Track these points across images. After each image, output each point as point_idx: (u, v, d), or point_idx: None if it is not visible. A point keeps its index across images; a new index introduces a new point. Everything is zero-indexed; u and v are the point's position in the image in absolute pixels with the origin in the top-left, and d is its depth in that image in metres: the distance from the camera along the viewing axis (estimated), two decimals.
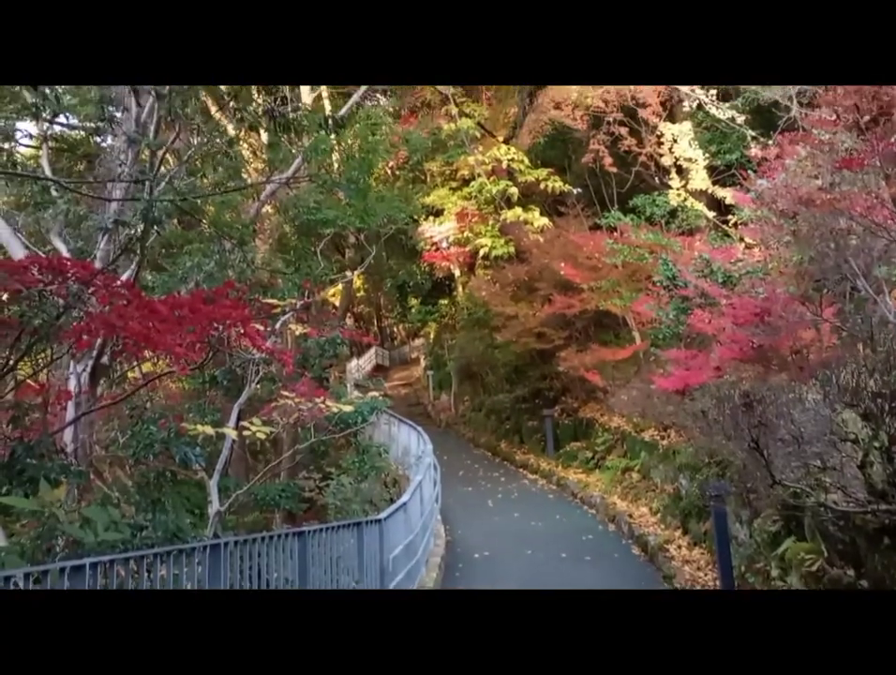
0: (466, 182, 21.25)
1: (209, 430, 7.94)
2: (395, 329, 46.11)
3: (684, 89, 17.37)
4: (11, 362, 5.45)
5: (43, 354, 6.84)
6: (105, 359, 8.08)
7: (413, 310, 33.00)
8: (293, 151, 10.93)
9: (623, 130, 18.22)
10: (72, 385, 7.88)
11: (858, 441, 5.65)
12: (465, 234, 21.56)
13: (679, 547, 10.46)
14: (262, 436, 8.66)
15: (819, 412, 5.66)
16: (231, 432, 8.17)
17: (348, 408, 10.50)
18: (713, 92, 17.00)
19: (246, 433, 8.62)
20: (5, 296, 5.25)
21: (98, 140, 13.46)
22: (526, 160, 19.56)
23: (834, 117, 9.97)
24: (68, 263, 4.85)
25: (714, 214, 17.16)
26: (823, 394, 5.72)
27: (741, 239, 14.40)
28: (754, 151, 13.27)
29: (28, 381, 6.47)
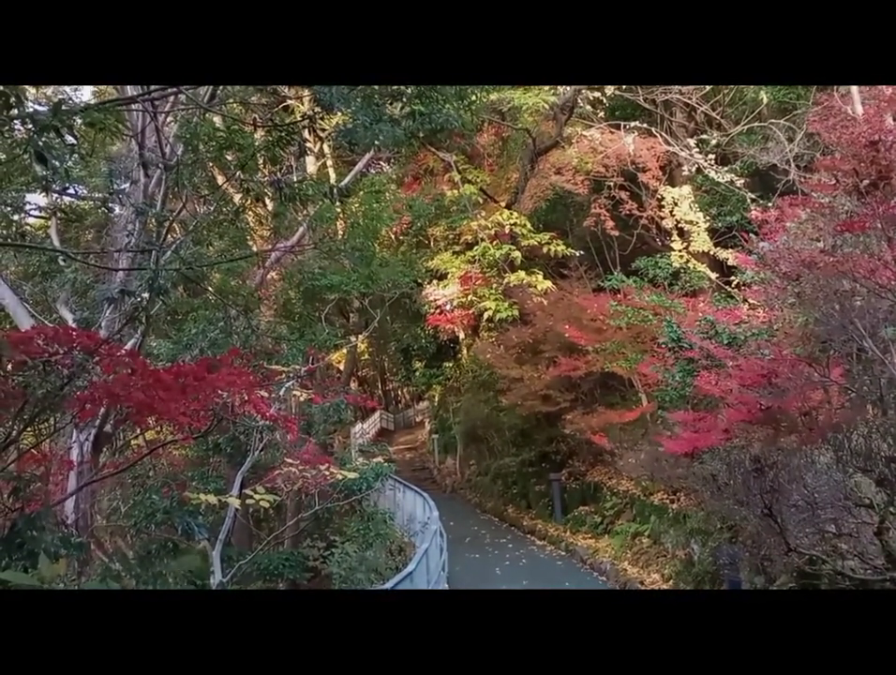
0: (469, 246, 21.37)
1: (212, 499, 7.84)
2: (400, 393, 45.99)
3: (683, 154, 17.68)
4: (14, 432, 5.40)
5: (46, 424, 6.80)
6: (108, 428, 8.03)
7: (418, 373, 32.87)
8: (299, 219, 11.06)
9: (624, 194, 18.51)
10: (75, 455, 7.81)
11: (874, 506, 5.54)
12: (469, 298, 21.56)
13: None
14: (266, 504, 8.55)
15: (832, 477, 5.56)
16: (234, 501, 8.08)
17: (352, 474, 10.40)
18: (711, 156, 17.30)
19: (249, 501, 8.51)
20: (9, 366, 5.24)
21: (107, 210, 13.66)
22: (528, 225, 19.73)
23: (833, 181, 10.09)
24: (74, 333, 4.84)
25: (717, 275, 17.26)
26: (836, 458, 5.63)
27: (745, 300, 14.45)
28: (755, 213, 13.37)
29: (32, 450, 6.41)
